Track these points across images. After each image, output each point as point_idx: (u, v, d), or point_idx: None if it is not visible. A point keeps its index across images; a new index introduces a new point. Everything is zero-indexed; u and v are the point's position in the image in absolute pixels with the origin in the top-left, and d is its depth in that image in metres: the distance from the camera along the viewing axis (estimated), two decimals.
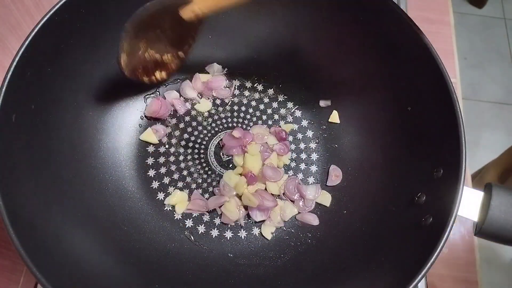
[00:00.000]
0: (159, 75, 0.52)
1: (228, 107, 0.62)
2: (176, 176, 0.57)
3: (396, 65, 0.51)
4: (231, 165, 0.58)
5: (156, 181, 0.57)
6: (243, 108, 0.62)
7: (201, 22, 0.50)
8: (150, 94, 0.61)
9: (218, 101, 0.62)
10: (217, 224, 0.55)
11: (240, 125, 0.61)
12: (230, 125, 0.61)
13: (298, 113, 0.61)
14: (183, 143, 0.59)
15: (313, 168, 0.59)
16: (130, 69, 0.48)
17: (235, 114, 0.62)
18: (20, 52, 0.42)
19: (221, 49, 0.62)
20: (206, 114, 0.61)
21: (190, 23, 0.47)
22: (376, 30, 0.51)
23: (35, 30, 0.43)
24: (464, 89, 1.68)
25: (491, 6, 1.94)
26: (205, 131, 0.60)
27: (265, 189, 0.56)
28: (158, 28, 0.48)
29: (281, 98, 0.62)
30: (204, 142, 0.59)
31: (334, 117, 0.60)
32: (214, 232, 0.54)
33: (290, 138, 0.60)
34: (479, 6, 1.93)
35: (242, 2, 0.44)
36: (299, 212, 0.56)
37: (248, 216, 0.55)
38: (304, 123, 0.61)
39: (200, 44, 0.60)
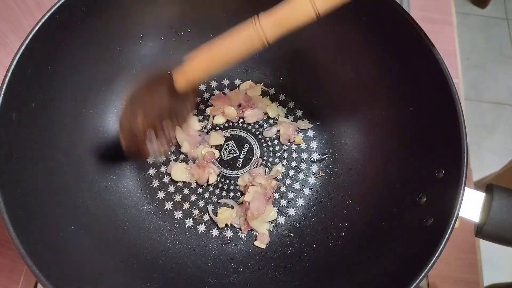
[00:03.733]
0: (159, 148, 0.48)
1: None
2: None
3: (397, 66, 0.51)
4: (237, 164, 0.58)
5: (157, 180, 0.57)
6: None
7: (194, 93, 0.49)
8: None
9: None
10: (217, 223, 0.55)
11: (241, 123, 0.61)
12: (231, 123, 0.61)
13: (299, 113, 0.61)
14: None
15: (314, 168, 0.58)
16: (128, 144, 0.46)
17: None
18: (21, 50, 0.42)
19: None
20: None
21: (184, 95, 0.45)
22: (378, 30, 0.51)
23: (36, 28, 0.43)
24: (466, 89, 1.68)
25: (494, 6, 1.93)
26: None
27: None
28: (154, 98, 0.46)
29: (282, 97, 0.62)
30: None
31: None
32: (214, 232, 0.54)
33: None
34: (481, 6, 1.92)
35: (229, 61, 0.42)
36: None
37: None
38: (305, 122, 0.61)
39: (202, 43, 0.61)
